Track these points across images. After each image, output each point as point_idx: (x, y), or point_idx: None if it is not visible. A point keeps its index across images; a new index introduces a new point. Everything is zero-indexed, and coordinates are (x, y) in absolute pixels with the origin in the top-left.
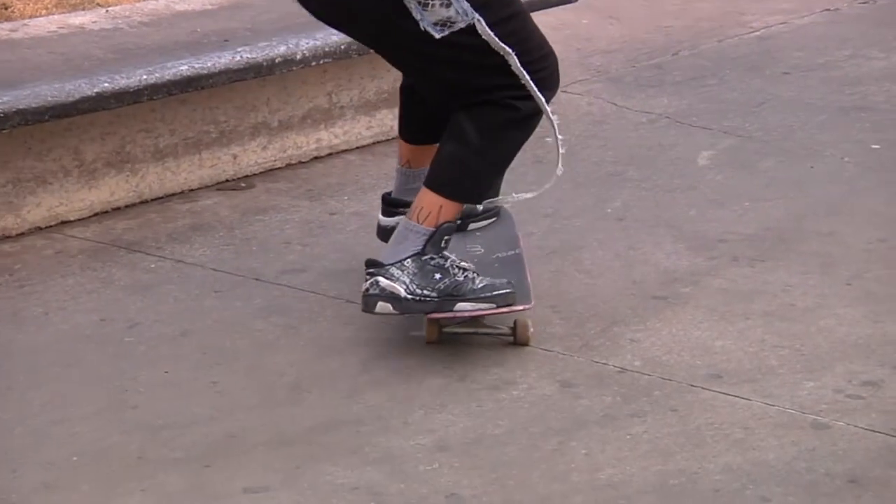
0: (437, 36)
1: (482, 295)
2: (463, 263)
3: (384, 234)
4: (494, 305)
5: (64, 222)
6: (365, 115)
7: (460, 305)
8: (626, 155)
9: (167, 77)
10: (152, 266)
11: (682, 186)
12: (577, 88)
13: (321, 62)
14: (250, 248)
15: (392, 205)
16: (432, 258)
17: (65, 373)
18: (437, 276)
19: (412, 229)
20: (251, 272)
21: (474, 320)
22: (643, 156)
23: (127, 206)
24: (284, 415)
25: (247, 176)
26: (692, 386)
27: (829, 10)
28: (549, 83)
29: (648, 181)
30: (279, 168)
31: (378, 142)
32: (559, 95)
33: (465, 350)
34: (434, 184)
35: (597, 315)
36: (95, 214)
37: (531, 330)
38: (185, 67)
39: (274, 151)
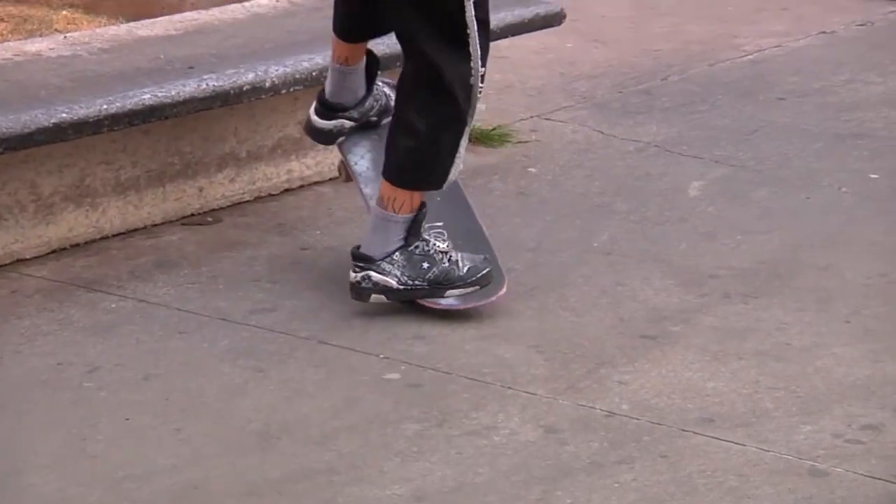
0: None
1: (469, 280)
2: (441, 245)
3: (318, 134)
4: (479, 287)
5: (19, 260)
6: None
7: (450, 292)
8: (613, 185)
9: (129, 106)
10: (113, 306)
11: (671, 218)
12: (560, 115)
13: (291, 90)
14: (217, 286)
15: (330, 108)
16: (417, 247)
17: (19, 420)
18: (425, 265)
19: (392, 220)
20: (218, 312)
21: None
22: (631, 186)
23: (86, 243)
24: (252, 464)
25: (213, 210)
26: (683, 430)
27: (824, 32)
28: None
29: (636, 213)
30: (248, 201)
31: None
32: (542, 123)
33: (443, 393)
34: (398, 179)
35: (582, 355)
36: (53, 252)
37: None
38: (148, 96)
39: (242, 184)
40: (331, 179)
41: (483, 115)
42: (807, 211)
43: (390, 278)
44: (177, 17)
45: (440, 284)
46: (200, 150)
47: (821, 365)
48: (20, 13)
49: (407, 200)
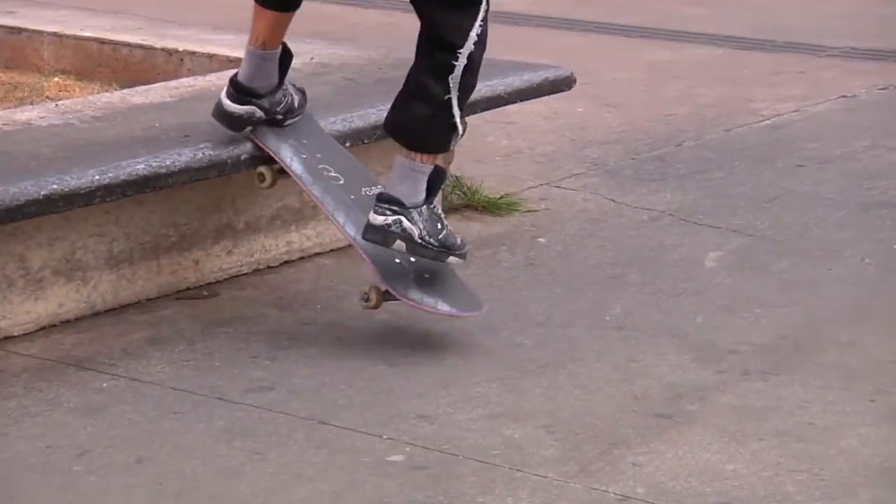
0: None
1: (461, 251)
2: (443, 214)
3: (227, 119)
4: (462, 261)
5: (7, 337)
6: None
7: (450, 259)
8: (626, 256)
9: (122, 177)
10: (104, 385)
11: (687, 291)
12: (571, 183)
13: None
14: (213, 363)
15: (243, 92)
16: (434, 206)
17: None
18: (439, 225)
19: (419, 170)
20: (213, 390)
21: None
22: (645, 257)
23: (77, 319)
24: None
25: (210, 283)
26: None
27: (845, 96)
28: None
29: (651, 285)
30: (245, 274)
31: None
32: (552, 191)
33: (449, 476)
34: (415, 145)
35: (595, 436)
36: (42, 328)
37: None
38: (142, 166)
39: (240, 256)
40: (332, 251)
41: (490, 183)
42: (829, 283)
43: (415, 228)
44: (172, 83)
45: (446, 248)
46: (196, 221)
47: (845, 446)
48: (10, 80)
49: (431, 155)
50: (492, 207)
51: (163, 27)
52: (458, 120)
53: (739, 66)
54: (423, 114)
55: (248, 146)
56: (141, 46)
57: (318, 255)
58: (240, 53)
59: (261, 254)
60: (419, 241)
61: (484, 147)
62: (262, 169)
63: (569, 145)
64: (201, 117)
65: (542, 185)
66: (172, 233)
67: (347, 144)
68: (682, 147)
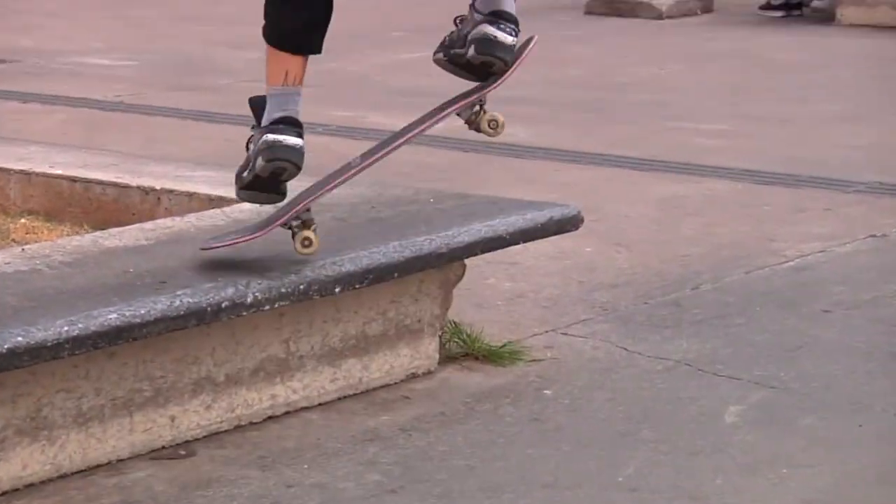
0: None
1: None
2: None
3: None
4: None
5: None
6: (329, 365)
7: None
8: (640, 410)
9: (92, 328)
10: None
11: (706, 449)
12: (579, 330)
13: (276, 305)
14: None
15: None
16: None
17: None
18: None
19: None
20: None
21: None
22: (659, 411)
23: (42, 482)
24: None
25: (187, 441)
26: None
27: (874, 236)
28: None
29: (666, 443)
30: (226, 431)
31: (345, 397)
32: (558, 338)
33: None
34: None
35: None
36: (4, 493)
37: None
38: (115, 316)
39: (220, 411)
40: (320, 405)
41: (491, 329)
42: (860, 441)
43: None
44: (148, 225)
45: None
46: (173, 374)
47: None
48: None
49: None
50: (493, 357)
51: (138, 163)
52: None
53: (760, 202)
54: None
55: (230, 291)
56: (114, 184)
57: (304, 409)
58: (222, 191)
59: (242, 409)
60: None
61: (485, 291)
62: (309, 234)
63: (576, 288)
64: (179, 262)
65: (547, 331)
66: (147, 387)
67: (337, 290)
68: (698, 290)
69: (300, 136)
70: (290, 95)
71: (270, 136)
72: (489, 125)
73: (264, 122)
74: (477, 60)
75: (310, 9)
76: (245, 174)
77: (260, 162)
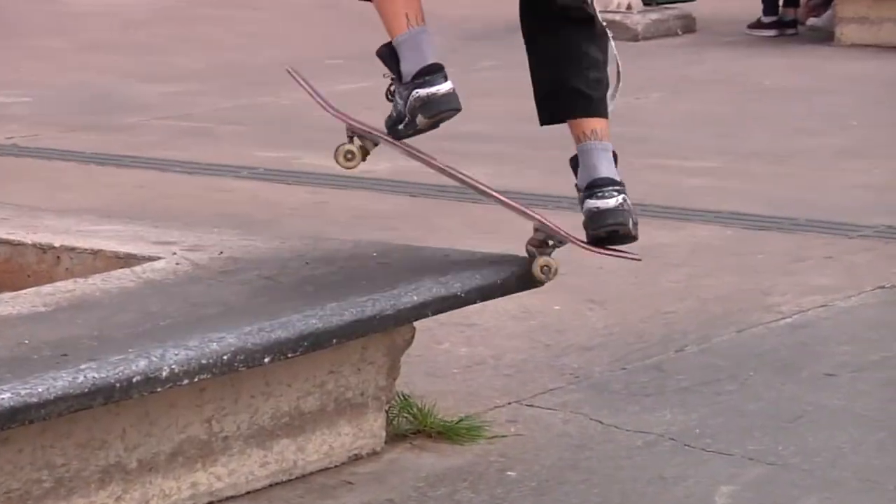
0: None
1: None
2: None
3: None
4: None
5: None
6: (258, 447)
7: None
8: (618, 493)
9: None
10: None
11: None
12: (547, 400)
13: (196, 379)
14: None
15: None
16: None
17: None
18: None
19: (609, 149)
20: None
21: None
22: (641, 493)
23: None
24: None
25: None
26: None
27: (882, 287)
28: None
29: None
30: None
31: (277, 483)
32: (524, 411)
33: None
34: (598, 112)
35: None
36: None
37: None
38: (8, 395)
39: (132, 503)
40: (248, 493)
41: (446, 402)
42: None
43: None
44: (47, 288)
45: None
46: (77, 461)
47: None
48: None
49: (605, 128)
50: (449, 434)
51: (34, 216)
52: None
53: (753, 250)
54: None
55: (143, 364)
56: (6, 242)
57: (230, 498)
58: (132, 247)
59: (159, 499)
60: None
61: (438, 357)
62: (351, 147)
63: (543, 353)
64: (83, 330)
65: (510, 403)
66: (46, 477)
67: (266, 360)
68: (683, 353)
69: (446, 77)
70: (419, 36)
71: (423, 92)
72: (541, 270)
73: (406, 75)
74: (601, 234)
75: None
76: (403, 128)
77: (421, 119)
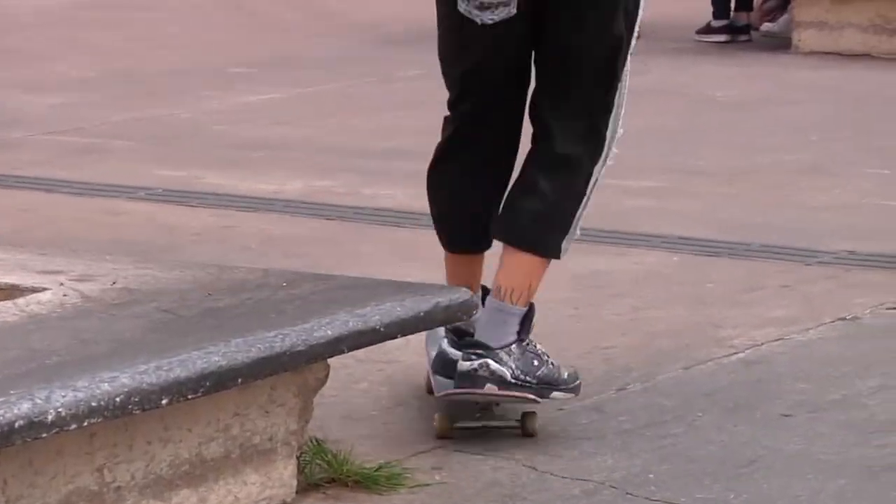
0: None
1: (570, 385)
2: (544, 349)
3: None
4: (574, 395)
5: None
6: (155, 498)
7: (555, 394)
8: None
9: None
10: None
11: None
12: (474, 445)
13: (86, 423)
14: None
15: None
16: (528, 343)
17: None
18: (535, 362)
19: (509, 312)
20: None
21: (484, 415)
22: None
23: None
24: None
25: None
26: None
27: (843, 319)
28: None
29: None
30: None
31: None
32: (450, 456)
33: None
34: (516, 240)
35: None
36: None
37: (538, 421)
38: None
39: None
40: None
41: (364, 447)
42: None
43: (506, 369)
44: None
45: (548, 384)
46: None
47: None
48: None
49: (524, 293)
50: (367, 482)
51: None
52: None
53: (702, 279)
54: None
55: (26, 407)
56: None
57: None
58: (16, 277)
59: None
60: (512, 381)
61: (355, 398)
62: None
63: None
64: None
65: (435, 448)
66: None
67: (164, 402)
68: (626, 392)
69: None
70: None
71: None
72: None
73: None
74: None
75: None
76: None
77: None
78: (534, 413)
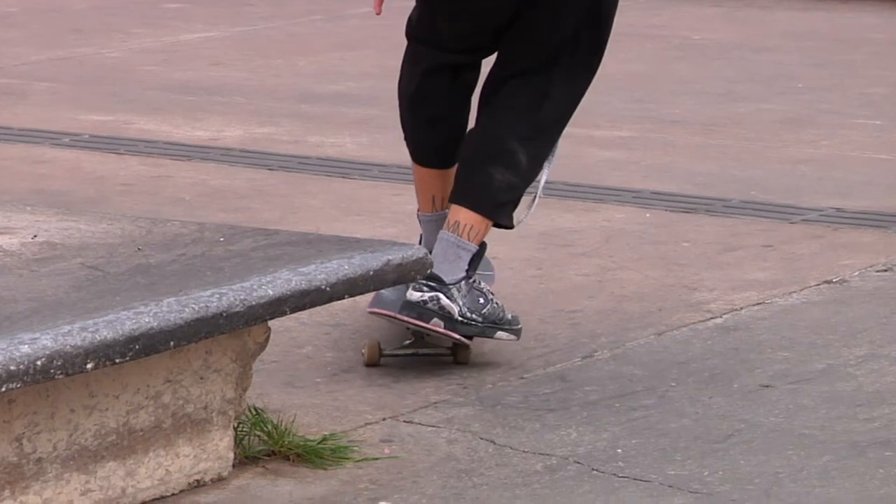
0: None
1: (514, 327)
2: (488, 287)
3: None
4: (516, 338)
5: None
6: (79, 471)
7: (499, 334)
8: None
9: None
10: None
11: None
12: (429, 416)
13: (3, 388)
14: None
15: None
16: (475, 280)
17: None
18: (481, 300)
19: (464, 247)
20: None
21: (415, 342)
22: None
23: None
24: None
25: None
26: None
27: (829, 282)
28: None
29: None
30: None
31: None
32: (400, 428)
33: None
34: (486, 210)
35: None
36: None
37: (470, 352)
38: None
39: None
40: None
41: (307, 418)
42: None
43: (455, 306)
44: None
45: (493, 323)
46: None
47: None
48: None
49: (482, 230)
50: (310, 455)
51: None
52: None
53: (676, 238)
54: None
55: None
56: None
57: None
58: None
59: None
60: (459, 318)
61: (298, 364)
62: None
63: (425, 359)
64: None
65: (385, 419)
66: None
67: (89, 366)
68: (592, 360)
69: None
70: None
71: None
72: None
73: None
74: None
75: None
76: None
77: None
78: (467, 344)
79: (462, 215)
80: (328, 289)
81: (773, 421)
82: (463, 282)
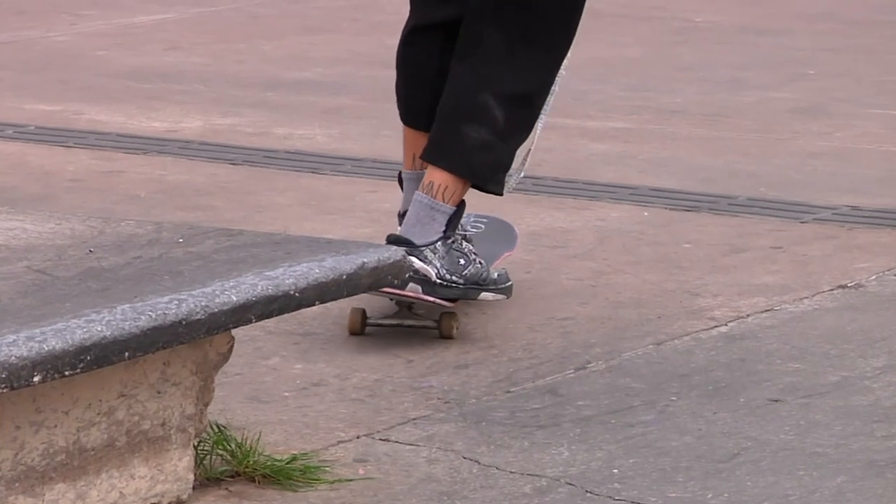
0: None
1: (501, 286)
2: (471, 247)
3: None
4: (506, 297)
5: None
6: (25, 493)
7: (484, 295)
8: None
9: None
10: None
11: None
12: (407, 434)
13: None
14: None
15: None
16: (454, 241)
17: None
18: (462, 261)
19: (438, 209)
20: None
21: (400, 311)
22: None
23: None
24: None
25: None
26: None
27: (844, 286)
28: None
29: None
30: None
31: None
32: (377, 447)
33: None
34: (459, 170)
35: None
36: None
37: (457, 323)
38: None
39: None
40: None
41: (275, 435)
42: None
43: (430, 268)
44: None
45: (476, 285)
46: None
47: None
48: None
49: (458, 190)
50: (278, 476)
51: None
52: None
53: (677, 239)
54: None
55: None
56: None
57: None
58: None
59: None
60: (438, 281)
61: (265, 377)
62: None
63: (403, 371)
64: None
65: (359, 437)
66: None
67: (36, 379)
68: (586, 372)
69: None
70: None
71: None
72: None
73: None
74: None
75: None
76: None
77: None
78: (453, 313)
79: (436, 175)
80: (297, 294)
81: (783, 439)
82: (439, 243)
